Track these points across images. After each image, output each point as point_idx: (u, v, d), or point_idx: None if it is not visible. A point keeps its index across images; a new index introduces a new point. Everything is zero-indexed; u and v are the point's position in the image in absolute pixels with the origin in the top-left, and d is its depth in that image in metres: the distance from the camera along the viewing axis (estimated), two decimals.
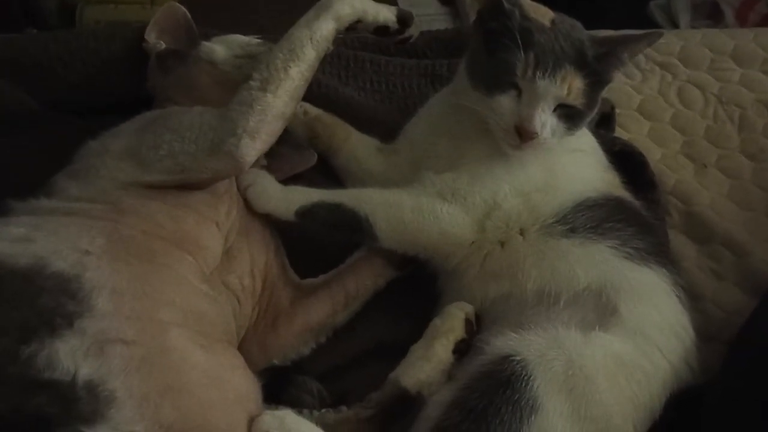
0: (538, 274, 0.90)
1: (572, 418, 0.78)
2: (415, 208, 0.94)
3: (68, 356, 0.67)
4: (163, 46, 1.09)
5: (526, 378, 0.77)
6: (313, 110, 1.13)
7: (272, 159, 1.03)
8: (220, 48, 1.05)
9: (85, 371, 0.67)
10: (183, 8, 1.12)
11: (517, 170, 0.95)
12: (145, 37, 1.10)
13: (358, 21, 0.95)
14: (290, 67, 0.89)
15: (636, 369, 0.83)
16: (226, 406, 0.76)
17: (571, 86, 0.89)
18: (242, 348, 0.93)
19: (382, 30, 0.99)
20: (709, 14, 2.12)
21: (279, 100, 0.87)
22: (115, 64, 1.16)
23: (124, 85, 1.16)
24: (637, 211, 0.99)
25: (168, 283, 0.79)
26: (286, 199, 0.96)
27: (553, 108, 0.90)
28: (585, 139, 1.03)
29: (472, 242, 0.94)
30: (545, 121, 0.90)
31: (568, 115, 0.91)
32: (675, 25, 2.10)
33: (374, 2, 0.97)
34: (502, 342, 0.82)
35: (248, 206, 0.97)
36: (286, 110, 0.89)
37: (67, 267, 0.73)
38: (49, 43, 1.17)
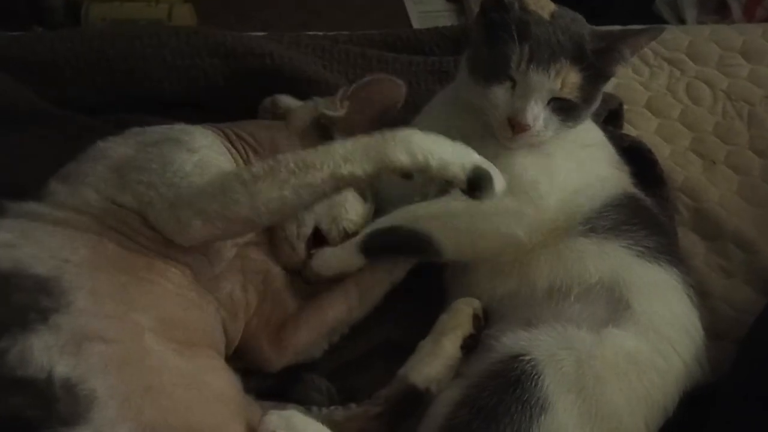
0: (550, 268, 0.90)
1: (582, 417, 0.78)
2: (465, 212, 0.92)
3: (42, 352, 0.65)
4: (335, 113, 1.00)
5: (536, 377, 0.77)
6: None
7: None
8: None
9: (62, 369, 0.65)
10: (404, 89, 1.01)
11: (554, 177, 0.94)
12: (331, 104, 1.01)
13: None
14: (288, 182, 0.77)
15: (649, 367, 0.82)
16: (206, 407, 0.74)
17: (565, 80, 0.89)
18: (256, 351, 0.92)
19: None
20: (716, 10, 2.12)
21: (251, 209, 0.77)
22: (120, 63, 1.16)
23: (130, 84, 1.16)
24: (651, 210, 0.98)
25: (146, 293, 0.77)
26: (345, 249, 0.95)
27: (546, 101, 0.90)
28: (594, 134, 1.03)
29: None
30: (537, 113, 0.90)
31: (563, 108, 0.91)
32: (682, 20, 2.10)
33: (447, 149, 0.79)
34: (512, 341, 0.82)
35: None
36: (258, 221, 0.79)
37: (45, 271, 0.71)
38: (55, 42, 1.17)
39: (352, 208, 0.99)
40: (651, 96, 1.35)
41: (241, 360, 0.91)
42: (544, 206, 0.92)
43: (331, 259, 0.96)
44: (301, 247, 0.97)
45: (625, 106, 1.27)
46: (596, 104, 0.96)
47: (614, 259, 0.89)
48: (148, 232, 0.81)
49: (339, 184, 0.78)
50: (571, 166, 0.95)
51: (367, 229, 0.95)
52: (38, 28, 1.85)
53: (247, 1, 2.14)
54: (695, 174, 1.23)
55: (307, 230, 0.97)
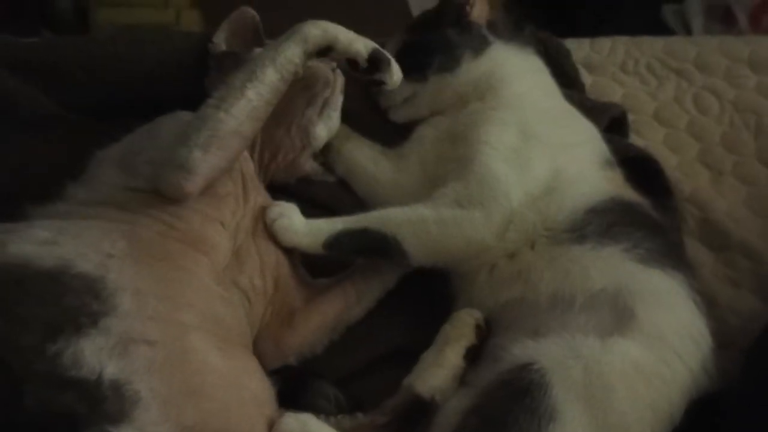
0: (552, 277, 0.90)
1: (590, 426, 0.78)
2: (437, 220, 0.94)
3: (94, 355, 0.67)
4: (223, 48, 1.10)
5: (545, 386, 0.77)
6: None
7: None
8: None
9: (111, 370, 0.67)
10: (253, 12, 1.13)
11: (523, 171, 0.95)
12: (213, 39, 1.11)
13: (330, 48, 0.91)
14: (247, 87, 0.87)
15: (655, 375, 0.82)
16: (244, 409, 0.76)
17: None
18: (257, 347, 0.93)
19: (353, 64, 0.94)
20: (723, 18, 2.12)
21: (232, 119, 0.86)
22: (136, 65, 1.16)
23: (140, 88, 1.16)
24: (646, 212, 0.98)
25: (187, 285, 0.80)
26: (312, 233, 0.96)
27: None
28: (581, 132, 1.03)
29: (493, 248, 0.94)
30: None
31: None
32: (688, 28, 2.10)
33: (351, 32, 0.92)
34: (521, 350, 0.82)
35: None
36: (242, 129, 0.87)
37: (92, 269, 0.73)
38: (66, 47, 1.17)
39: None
40: (658, 106, 1.35)
41: None
42: (510, 205, 0.93)
43: (293, 232, 0.95)
44: None
45: (632, 116, 1.27)
46: None
47: (616, 266, 0.89)
48: (171, 213, 0.84)
49: (283, 71, 0.89)
50: (545, 164, 0.95)
51: (338, 227, 0.95)
52: (46, 33, 1.85)
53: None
54: (702, 184, 1.23)
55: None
